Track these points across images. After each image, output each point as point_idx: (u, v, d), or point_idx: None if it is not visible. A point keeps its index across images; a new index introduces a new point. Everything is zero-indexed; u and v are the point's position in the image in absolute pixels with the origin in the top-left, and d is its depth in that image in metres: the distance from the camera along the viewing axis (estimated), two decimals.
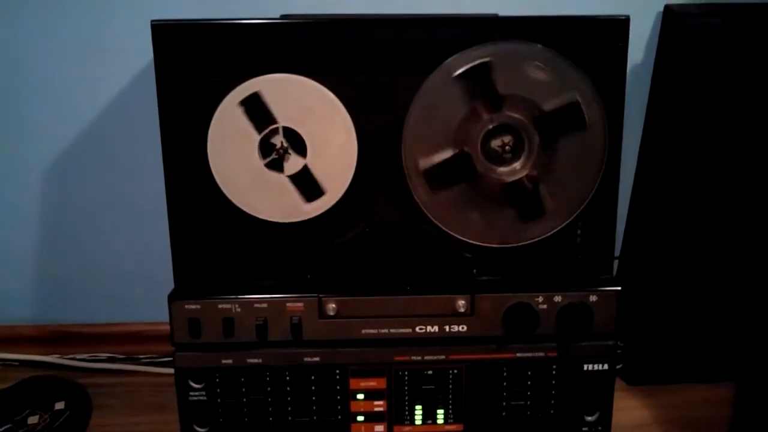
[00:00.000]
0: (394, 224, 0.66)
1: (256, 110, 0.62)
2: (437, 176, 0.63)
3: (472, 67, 0.61)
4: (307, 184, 0.63)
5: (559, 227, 0.64)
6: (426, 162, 0.62)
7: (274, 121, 0.62)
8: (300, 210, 0.64)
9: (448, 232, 0.64)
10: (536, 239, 0.64)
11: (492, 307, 0.65)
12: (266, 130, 0.62)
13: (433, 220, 0.64)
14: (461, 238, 0.65)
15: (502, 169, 0.63)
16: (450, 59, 0.61)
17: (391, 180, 0.65)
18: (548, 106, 0.61)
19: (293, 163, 0.63)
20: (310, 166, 0.63)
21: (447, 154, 0.62)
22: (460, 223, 0.64)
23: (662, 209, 0.77)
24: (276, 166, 0.63)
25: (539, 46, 0.61)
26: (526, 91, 0.61)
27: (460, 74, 0.61)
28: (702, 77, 0.71)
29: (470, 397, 0.68)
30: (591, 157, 0.63)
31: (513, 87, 0.61)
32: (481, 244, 0.65)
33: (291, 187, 0.63)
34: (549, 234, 0.64)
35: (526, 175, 0.63)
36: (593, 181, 0.64)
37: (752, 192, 0.75)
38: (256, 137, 0.62)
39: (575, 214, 0.64)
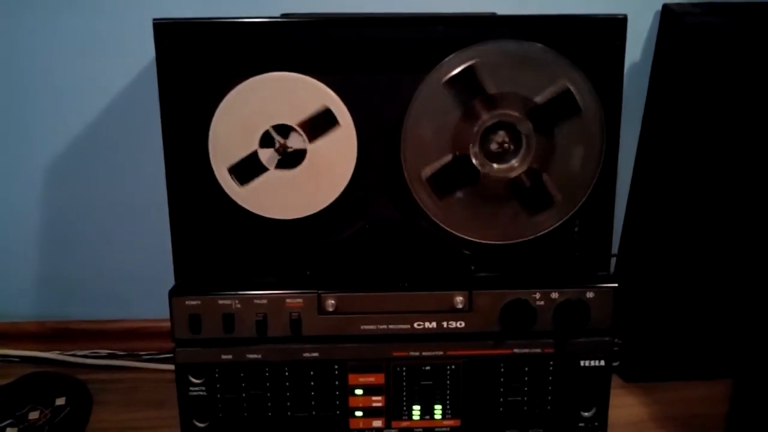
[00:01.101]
0: (392, 221, 0.67)
1: (319, 122, 0.62)
2: (440, 182, 0.63)
3: (459, 72, 0.61)
4: (250, 170, 0.63)
5: (568, 216, 0.65)
6: (428, 170, 0.63)
7: (312, 140, 0.63)
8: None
9: (446, 228, 0.65)
10: (542, 232, 0.65)
11: (489, 304, 0.66)
12: (298, 129, 0.63)
13: (443, 226, 0.64)
14: (459, 235, 0.65)
15: (503, 166, 0.64)
16: (437, 66, 0.62)
17: (390, 177, 0.65)
18: (540, 98, 0.62)
19: (272, 161, 0.64)
20: (271, 176, 0.63)
21: (446, 159, 0.63)
22: (467, 223, 0.65)
23: (660, 207, 0.77)
24: (266, 142, 0.63)
25: (524, 42, 0.62)
26: (516, 87, 0.62)
27: (448, 80, 0.61)
28: (700, 76, 0.71)
29: (468, 392, 0.68)
30: (589, 142, 0.63)
31: (502, 85, 0.62)
32: (479, 240, 0.65)
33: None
34: (557, 224, 0.65)
35: (528, 169, 0.63)
36: (595, 166, 0.64)
37: (750, 190, 0.76)
38: (282, 121, 0.62)
39: (581, 202, 0.64)
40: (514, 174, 0.63)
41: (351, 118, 0.63)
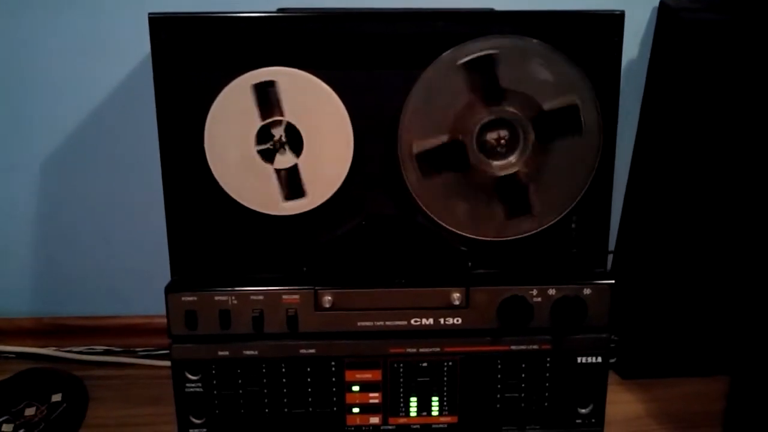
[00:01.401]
0: (389, 217, 0.66)
1: (266, 98, 0.62)
2: (429, 161, 0.63)
3: (477, 58, 0.61)
4: (292, 183, 0.64)
5: (545, 226, 0.65)
6: (420, 146, 0.62)
7: (280, 113, 0.62)
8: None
9: (443, 224, 0.65)
10: (521, 236, 0.65)
11: (487, 300, 0.66)
12: (269, 120, 0.62)
13: (421, 205, 0.64)
14: (456, 231, 0.65)
15: (495, 162, 0.63)
16: (456, 47, 0.61)
17: (387, 173, 0.65)
18: (547, 105, 0.62)
19: (285, 159, 0.63)
20: (300, 166, 0.63)
21: (441, 140, 0.62)
22: (451, 213, 0.65)
23: (657, 204, 0.77)
24: (267, 156, 0.63)
25: (546, 44, 0.61)
26: (527, 88, 0.62)
27: (464, 63, 0.61)
28: (697, 72, 0.71)
29: (465, 389, 0.68)
30: (583, 161, 0.64)
31: (515, 82, 0.62)
32: (476, 237, 0.65)
33: (275, 181, 0.63)
34: (535, 232, 0.65)
35: (518, 172, 0.63)
36: (583, 184, 0.64)
37: (746, 187, 0.76)
38: (254, 129, 0.62)
39: (562, 215, 0.65)
40: (504, 173, 0.63)
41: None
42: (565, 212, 0.65)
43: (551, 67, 0.62)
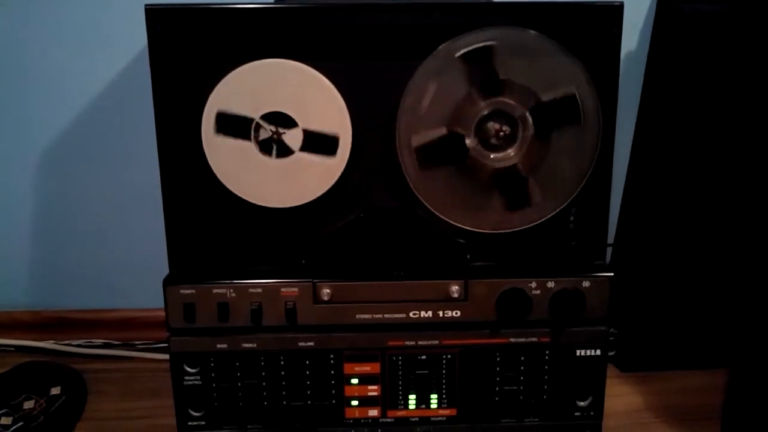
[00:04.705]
0: (388, 210, 0.66)
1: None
2: (428, 154, 0.63)
3: (475, 49, 0.61)
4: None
5: (543, 219, 0.65)
6: (418, 139, 0.62)
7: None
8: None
9: (442, 217, 0.64)
10: (520, 228, 0.65)
11: (485, 293, 0.66)
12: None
13: (420, 198, 0.64)
14: (455, 223, 0.65)
15: (494, 155, 0.63)
16: (454, 39, 0.61)
17: (386, 166, 0.65)
18: (546, 96, 0.62)
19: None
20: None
21: (440, 133, 0.62)
22: (450, 206, 0.64)
23: (656, 196, 0.77)
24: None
25: (543, 35, 0.61)
26: (525, 80, 0.61)
27: (462, 55, 0.61)
28: (696, 64, 0.71)
29: (463, 382, 0.68)
30: (582, 153, 0.63)
31: (513, 74, 0.61)
32: (474, 229, 0.65)
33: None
34: (533, 224, 0.65)
35: (517, 164, 0.63)
36: (582, 176, 0.64)
37: (746, 179, 0.76)
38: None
39: (561, 207, 0.65)
40: (503, 165, 0.63)
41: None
42: (564, 204, 0.65)
43: (549, 58, 0.61)
